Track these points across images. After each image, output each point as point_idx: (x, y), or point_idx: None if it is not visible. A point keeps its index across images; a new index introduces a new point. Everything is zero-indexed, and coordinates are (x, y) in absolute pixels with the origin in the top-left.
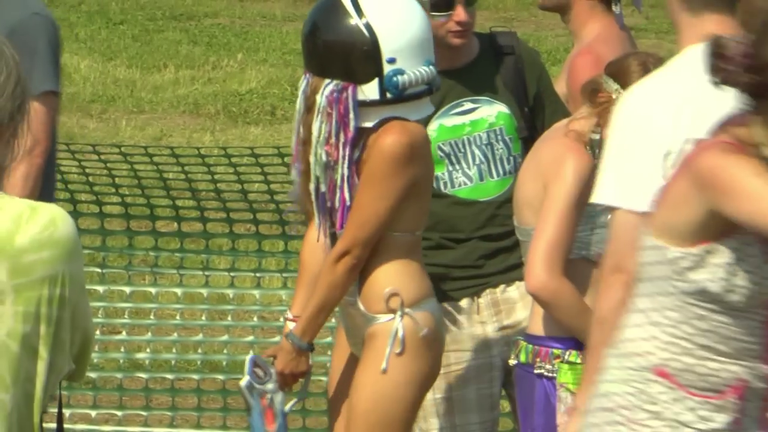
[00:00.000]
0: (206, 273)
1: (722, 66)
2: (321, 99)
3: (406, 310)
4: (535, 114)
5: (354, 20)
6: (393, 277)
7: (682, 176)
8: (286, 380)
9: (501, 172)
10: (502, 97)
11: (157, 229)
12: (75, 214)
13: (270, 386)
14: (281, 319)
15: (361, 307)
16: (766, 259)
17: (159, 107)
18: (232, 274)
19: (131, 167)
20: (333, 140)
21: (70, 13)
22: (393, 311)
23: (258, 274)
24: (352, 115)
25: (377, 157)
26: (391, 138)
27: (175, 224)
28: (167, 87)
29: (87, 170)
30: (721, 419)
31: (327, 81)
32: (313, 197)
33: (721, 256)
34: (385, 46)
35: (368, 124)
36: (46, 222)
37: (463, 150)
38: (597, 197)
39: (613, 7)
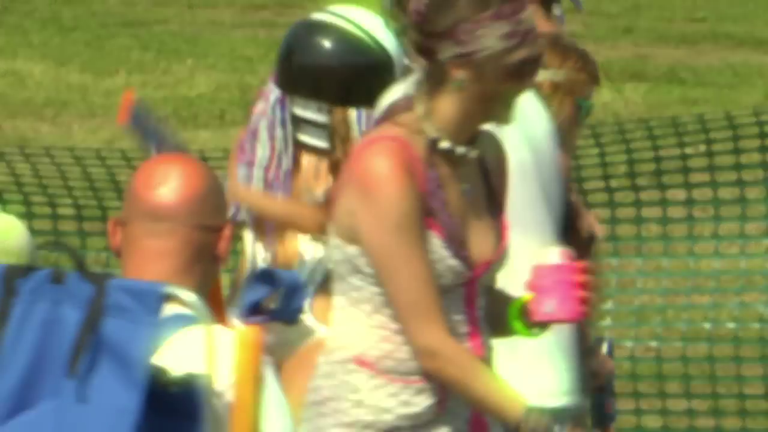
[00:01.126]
0: None
1: (400, 16)
2: (359, 129)
3: None
4: None
5: (367, 41)
6: None
7: (348, 174)
8: None
9: None
10: None
11: None
12: (28, 216)
13: None
14: None
15: (313, 318)
16: (443, 246)
17: (111, 111)
18: None
19: (84, 170)
20: None
21: (24, 20)
22: None
23: None
24: None
25: None
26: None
27: None
28: (119, 92)
29: (40, 173)
30: (422, 402)
31: (354, 110)
32: None
33: None
34: (396, 63)
35: None
36: None
37: None
38: None
39: (554, 10)
